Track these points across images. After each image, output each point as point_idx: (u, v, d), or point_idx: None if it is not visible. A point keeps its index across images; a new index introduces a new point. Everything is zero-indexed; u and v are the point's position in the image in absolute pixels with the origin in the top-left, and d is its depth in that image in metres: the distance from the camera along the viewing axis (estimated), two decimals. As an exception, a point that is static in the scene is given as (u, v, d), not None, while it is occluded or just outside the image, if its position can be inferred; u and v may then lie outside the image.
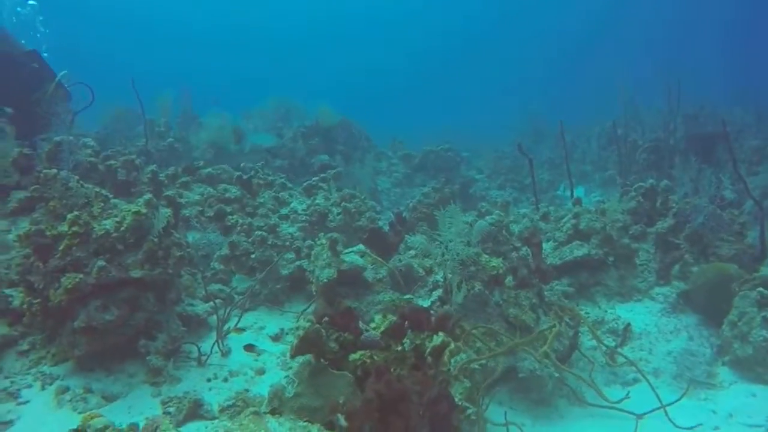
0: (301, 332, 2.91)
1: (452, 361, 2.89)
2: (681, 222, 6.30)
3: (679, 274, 6.02)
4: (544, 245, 6.18)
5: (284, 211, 6.80)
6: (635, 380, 4.70)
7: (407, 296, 4.53)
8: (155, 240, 4.20)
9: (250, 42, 55.49)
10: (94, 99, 8.79)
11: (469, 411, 3.28)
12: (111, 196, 4.69)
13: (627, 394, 4.33)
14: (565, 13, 54.41)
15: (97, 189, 4.54)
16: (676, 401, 4.20)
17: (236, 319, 5.05)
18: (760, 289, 4.92)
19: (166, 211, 4.38)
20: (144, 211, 4.21)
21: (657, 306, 5.83)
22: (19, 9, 11.71)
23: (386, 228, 5.77)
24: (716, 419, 4.23)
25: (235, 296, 5.50)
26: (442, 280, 4.50)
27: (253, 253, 5.85)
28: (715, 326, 5.27)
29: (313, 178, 7.25)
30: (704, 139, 11.16)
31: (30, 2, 11.89)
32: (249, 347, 4.26)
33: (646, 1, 49.20)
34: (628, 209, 6.71)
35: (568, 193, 8.73)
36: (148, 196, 4.37)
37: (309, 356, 2.98)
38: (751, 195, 6.27)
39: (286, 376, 3.08)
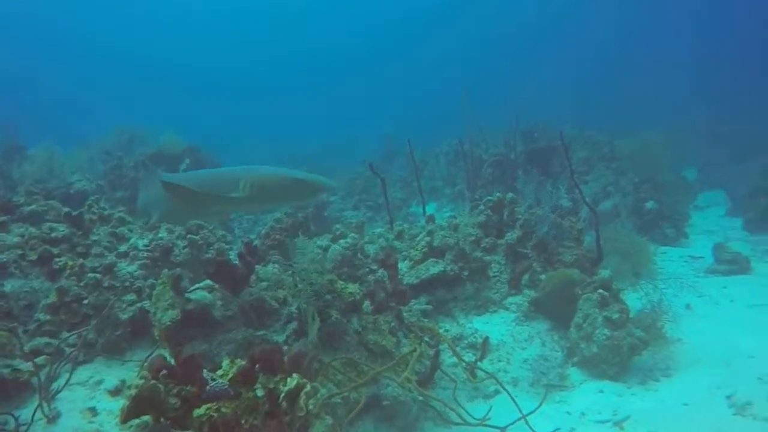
0: (133, 391, 2.54)
1: (310, 402, 2.67)
2: (527, 232, 6.59)
3: (529, 283, 6.29)
4: (401, 264, 6.17)
5: (123, 248, 6.19)
6: (496, 392, 4.77)
7: (260, 332, 4.23)
8: (-46, 296, 3.56)
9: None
10: None
11: (333, 451, 3.08)
12: None
13: (490, 410, 4.35)
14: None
15: None
16: (536, 410, 4.29)
17: (67, 375, 4.44)
18: (600, 290, 5.24)
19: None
20: (-62, 262, 3.56)
21: (511, 315, 6.01)
22: None
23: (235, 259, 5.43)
24: (571, 420, 4.40)
25: (66, 349, 4.85)
26: (296, 311, 4.26)
27: (86, 298, 5.23)
28: (564, 329, 5.53)
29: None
30: (541, 153, 11.98)
31: None
32: None
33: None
34: (478, 223, 6.92)
35: (421, 209, 8.88)
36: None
37: (146, 417, 2.62)
38: (586, 202, 6.72)
39: (119, 444, 2.68)
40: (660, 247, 9.59)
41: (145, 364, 4.43)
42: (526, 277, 6.35)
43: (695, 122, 18.34)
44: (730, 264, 8.09)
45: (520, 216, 6.82)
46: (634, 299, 5.67)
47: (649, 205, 10.46)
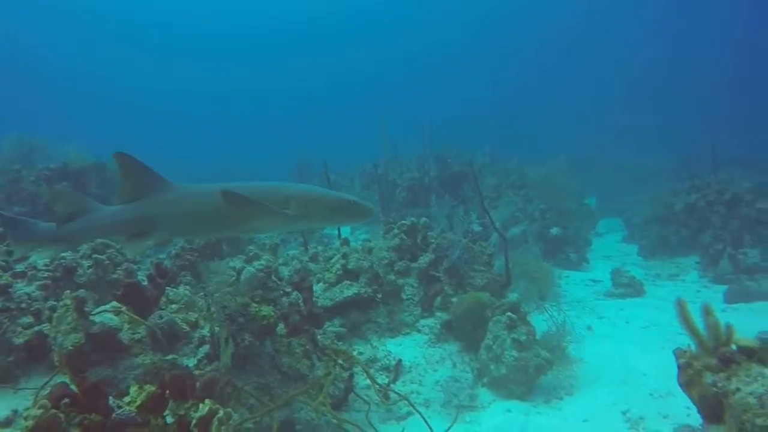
0: (30, 422, 2.39)
1: (223, 429, 2.61)
2: (440, 256, 6.76)
3: (441, 306, 6.42)
4: (315, 287, 6.16)
5: (20, 267, 5.82)
6: (409, 413, 4.81)
7: (170, 356, 4.08)
8: None
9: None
10: None
11: (244, 478, 3.02)
12: None
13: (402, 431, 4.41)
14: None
15: None
16: (447, 430, 4.37)
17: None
18: (509, 313, 5.43)
19: None
20: None
21: (424, 338, 6.12)
22: None
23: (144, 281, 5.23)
24: (480, 440, 4.53)
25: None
26: (209, 334, 4.16)
27: (-25, 321, 4.87)
28: (475, 351, 5.69)
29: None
30: (454, 178, 12.34)
31: None
32: None
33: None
34: (392, 246, 7.02)
35: (336, 231, 8.91)
36: None
37: (43, 449, 2.47)
38: (496, 228, 6.98)
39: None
40: (564, 271, 10.10)
41: (43, 392, 4.18)
42: (438, 299, 6.48)
43: (598, 153, 19.51)
44: (626, 287, 8.65)
45: (433, 240, 6.98)
46: (540, 321, 5.93)
47: (554, 231, 10.99)
